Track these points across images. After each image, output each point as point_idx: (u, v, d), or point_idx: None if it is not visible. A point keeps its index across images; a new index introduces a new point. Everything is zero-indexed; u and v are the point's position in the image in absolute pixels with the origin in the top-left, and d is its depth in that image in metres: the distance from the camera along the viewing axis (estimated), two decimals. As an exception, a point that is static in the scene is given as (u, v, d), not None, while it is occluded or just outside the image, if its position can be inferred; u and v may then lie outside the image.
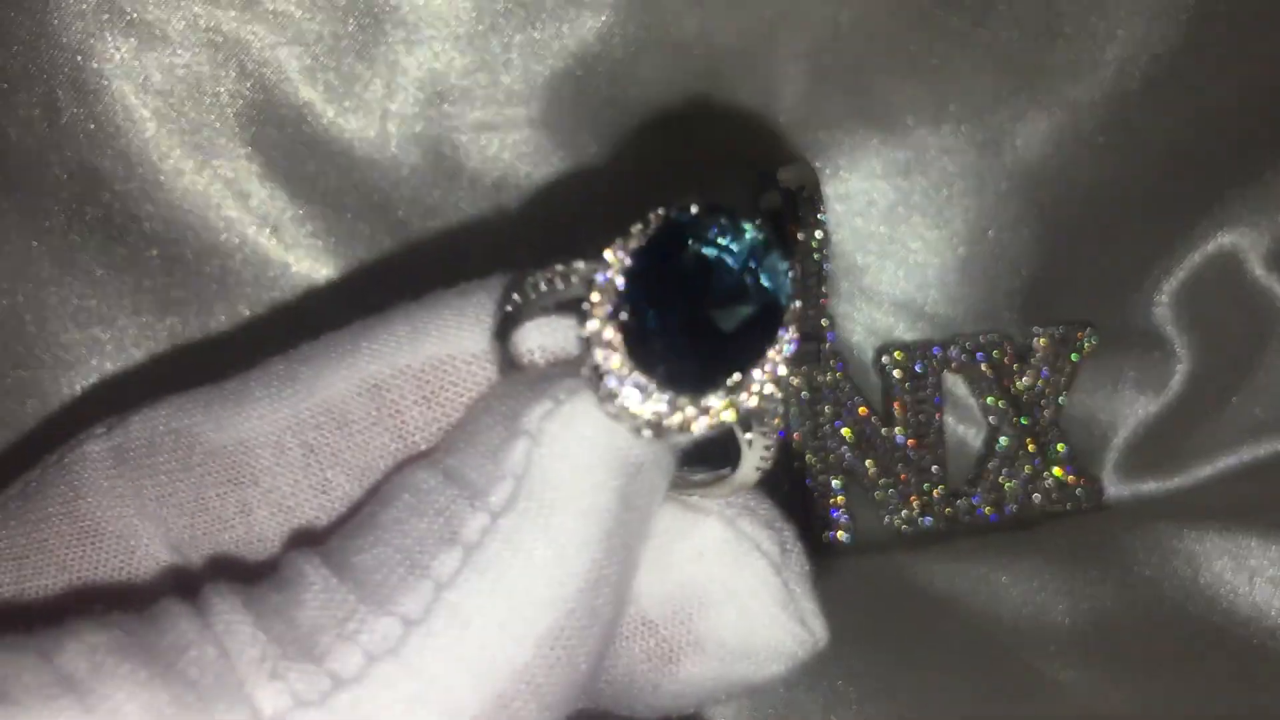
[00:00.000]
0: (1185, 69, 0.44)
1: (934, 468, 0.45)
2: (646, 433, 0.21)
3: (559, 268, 0.22)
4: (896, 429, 0.45)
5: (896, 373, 0.45)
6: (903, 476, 0.45)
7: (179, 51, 0.39)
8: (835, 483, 0.44)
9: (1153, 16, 0.44)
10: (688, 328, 0.21)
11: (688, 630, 0.24)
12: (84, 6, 0.38)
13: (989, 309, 0.46)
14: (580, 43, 0.41)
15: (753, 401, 0.21)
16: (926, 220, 0.46)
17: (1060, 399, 0.46)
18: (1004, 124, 0.45)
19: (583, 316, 0.21)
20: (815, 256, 0.43)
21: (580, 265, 0.21)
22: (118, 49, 0.39)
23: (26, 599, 0.24)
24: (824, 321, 0.44)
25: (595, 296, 0.21)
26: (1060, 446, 0.46)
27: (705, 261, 0.21)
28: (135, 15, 0.39)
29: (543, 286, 0.22)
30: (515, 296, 0.22)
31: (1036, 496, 0.46)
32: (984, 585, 0.43)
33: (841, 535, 0.44)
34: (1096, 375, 0.46)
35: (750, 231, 0.21)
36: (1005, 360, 0.45)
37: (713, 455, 0.24)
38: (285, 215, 0.41)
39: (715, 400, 0.21)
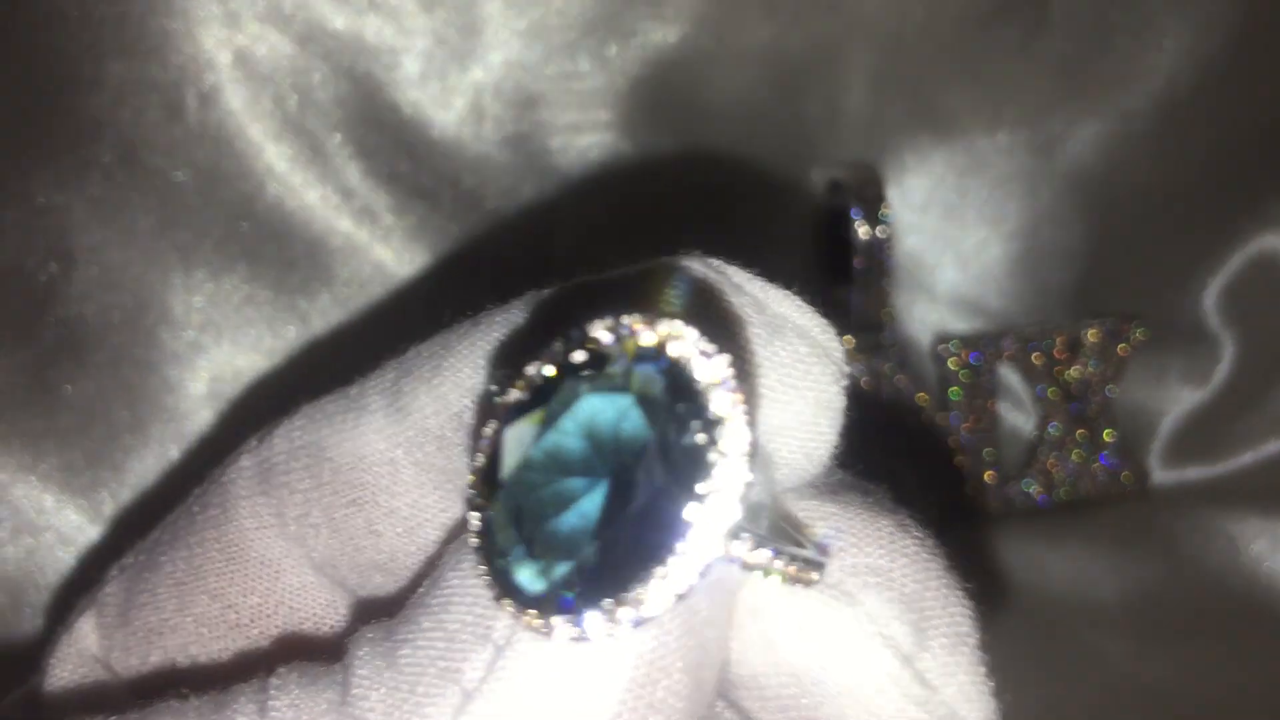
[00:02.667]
0: (1229, 78, 0.46)
1: (987, 453, 0.47)
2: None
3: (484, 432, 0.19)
4: (952, 416, 0.47)
5: (952, 362, 0.47)
6: (957, 461, 0.47)
7: (290, 58, 0.42)
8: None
9: (1199, 29, 0.46)
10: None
11: (815, 717, 0.20)
12: (204, 13, 0.41)
13: (1041, 303, 0.49)
14: (659, 52, 0.44)
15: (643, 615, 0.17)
16: (983, 219, 0.48)
17: (1109, 389, 0.48)
18: (1057, 129, 0.47)
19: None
20: (878, 253, 0.45)
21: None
22: (236, 55, 0.42)
23: (187, 626, 0.24)
24: (885, 314, 0.46)
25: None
26: (1108, 434, 0.48)
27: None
28: (251, 24, 0.42)
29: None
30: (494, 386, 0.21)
31: (1085, 482, 0.48)
32: (1035, 563, 0.45)
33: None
34: (1144, 367, 0.49)
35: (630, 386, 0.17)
36: (1056, 352, 0.48)
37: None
38: (385, 210, 0.44)
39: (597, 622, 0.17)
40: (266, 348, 0.44)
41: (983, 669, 0.20)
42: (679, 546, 0.17)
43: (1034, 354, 0.48)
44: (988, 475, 0.47)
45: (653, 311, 0.18)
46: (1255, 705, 0.41)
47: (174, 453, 0.43)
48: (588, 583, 0.17)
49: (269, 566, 0.24)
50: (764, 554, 0.18)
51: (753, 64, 0.45)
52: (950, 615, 0.20)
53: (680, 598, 0.17)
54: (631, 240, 0.46)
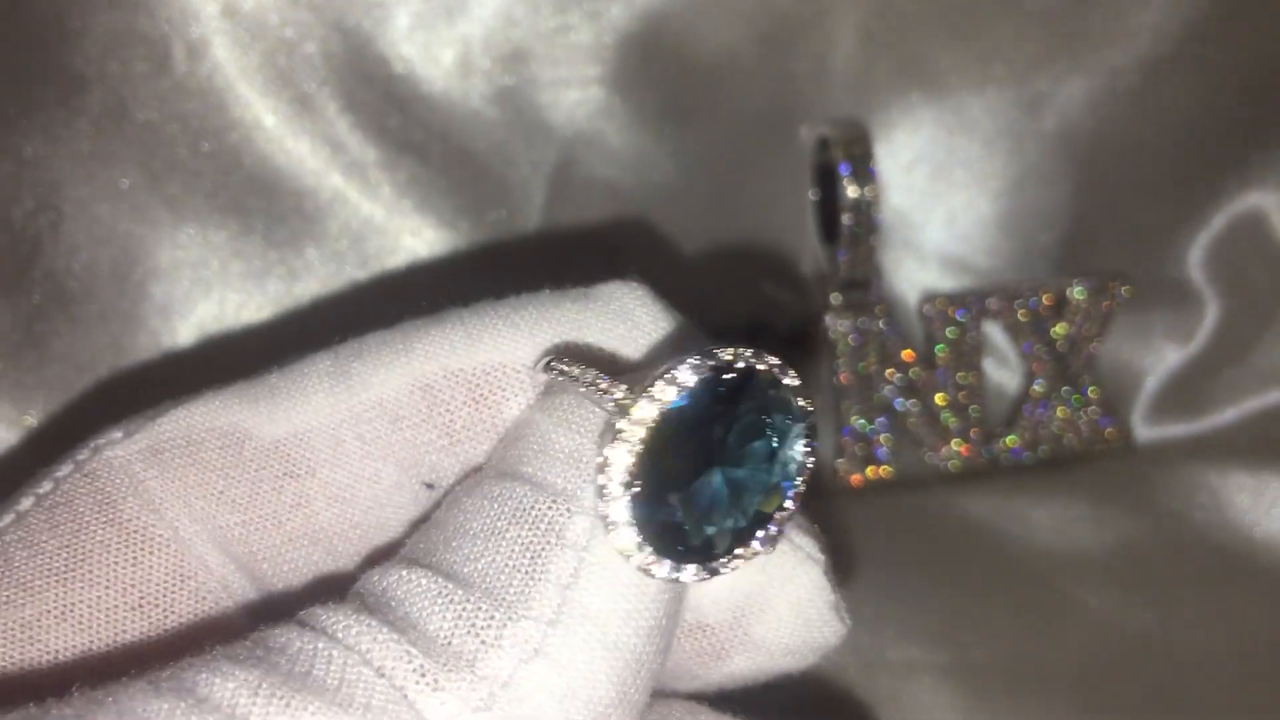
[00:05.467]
0: (1215, 35, 0.47)
1: (973, 409, 0.48)
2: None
3: (600, 384, 0.23)
4: (938, 372, 0.48)
5: (939, 320, 0.47)
6: (943, 417, 0.48)
7: (278, 11, 0.42)
8: (880, 422, 0.47)
9: (1185, -15, 0.46)
10: (689, 501, 0.22)
11: (743, 632, 0.25)
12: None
13: (1027, 261, 0.49)
14: (648, 6, 0.44)
15: (724, 573, 0.22)
16: (969, 177, 0.48)
17: (1093, 346, 0.48)
18: (1044, 87, 0.47)
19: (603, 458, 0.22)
20: (865, 211, 0.46)
21: (618, 394, 0.22)
22: (223, 8, 0.42)
23: (79, 614, 0.24)
24: (872, 271, 0.47)
25: (611, 454, 0.22)
26: (1093, 391, 0.48)
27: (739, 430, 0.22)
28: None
29: (580, 386, 0.23)
30: (559, 369, 0.24)
31: (1070, 438, 0.48)
32: (1019, 517, 0.46)
33: (885, 471, 0.47)
34: (1128, 325, 0.49)
35: (794, 411, 0.23)
36: (1042, 310, 0.48)
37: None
38: (374, 165, 0.44)
39: (688, 571, 0.22)
40: (255, 302, 0.44)
41: None
42: (766, 531, 0.23)
43: (1019, 311, 0.48)
44: (973, 431, 0.48)
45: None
46: (1235, 655, 0.41)
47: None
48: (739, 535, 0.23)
49: (170, 545, 0.24)
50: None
51: (742, 20, 0.45)
52: (825, 555, 0.26)
53: (776, 539, 0.23)
54: (619, 196, 0.46)
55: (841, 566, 0.27)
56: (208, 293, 0.43)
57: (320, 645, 0.20)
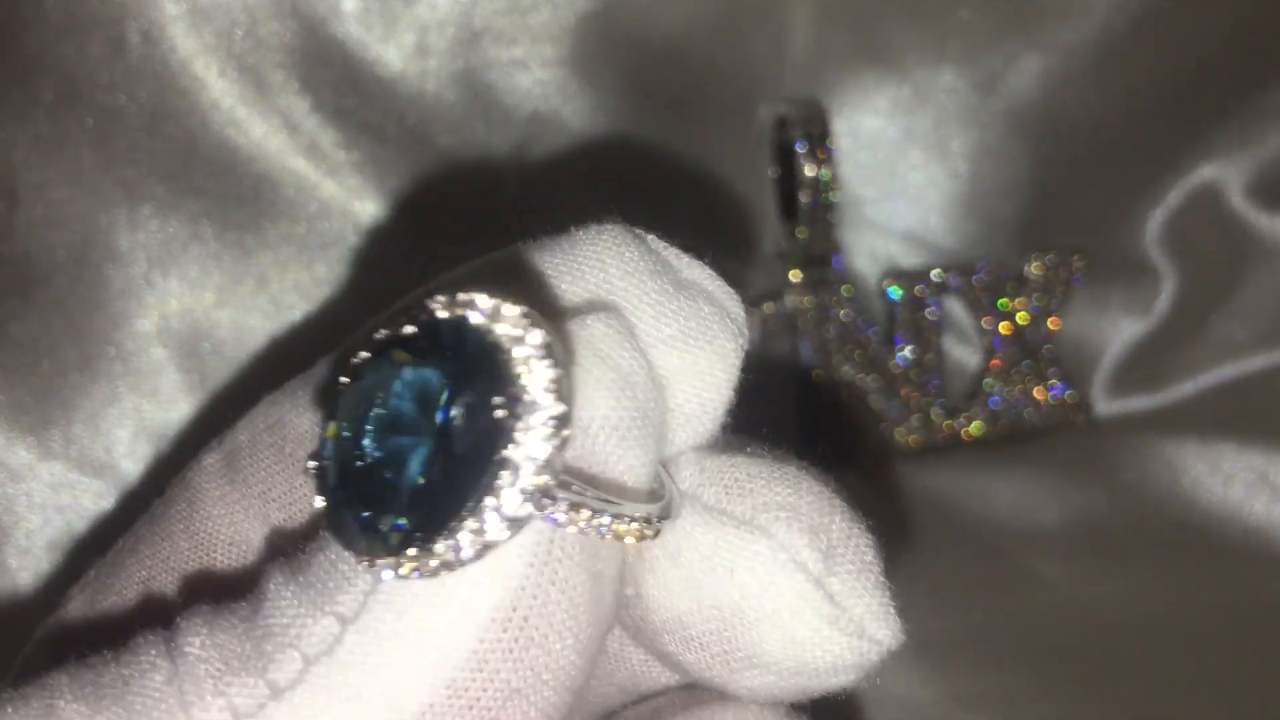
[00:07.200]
0: (1170, 11, 0.47)
1: (933, 385, 0.48)
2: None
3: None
4: (898, 349, 0.48)
5: (899, 296, 0.48)
6: (904, 393, 0.48)
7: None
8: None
9: (1138, -38, 0.47)
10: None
11: (736, 648, 0.22)
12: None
13: (985, 237, 0.49)
14: (605, -14, 0.45)
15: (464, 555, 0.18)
16: (927, 155, 0.49)
17: (1052, 321, 0.49)
18: (1000, 64, 0.48)
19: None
20: (823, 188, 0.46)
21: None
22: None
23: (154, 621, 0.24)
24: (831, 248, 0.47)
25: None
26: (1052, 366, 0.49)
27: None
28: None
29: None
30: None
31: (1029, 412, 0.49)
32: (978, 492, 0.46)
33: (847, 448, 0.48)
34: (1087, 299, 0.49)
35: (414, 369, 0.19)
36: (1001, 285, 0.48)
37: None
38: (332, 146, 0.44)
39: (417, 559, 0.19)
40: (214, 284, 0.44)
41: (887, 592, 0.22)
42: (488, 501, 0.18)
43: (979, 287, 0.48)
44: (934, 406, 0.48)
45: (468, 289, 0.19)
46: (1192, 624, 0.42)
47: (122, 390, 0.43)
48: (411, 534, 0.18)
49: (237, 547, 0.24)
50: (580, 515, 0.19)
51: (699, 0, 0.45)
52: (854, 544, 0.22)
53: (485, 549, 0.18)
54: (578, 177, 0.46)
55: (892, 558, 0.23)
56: (166, 275, 0.43)
57: (148, 651, 0.20)
